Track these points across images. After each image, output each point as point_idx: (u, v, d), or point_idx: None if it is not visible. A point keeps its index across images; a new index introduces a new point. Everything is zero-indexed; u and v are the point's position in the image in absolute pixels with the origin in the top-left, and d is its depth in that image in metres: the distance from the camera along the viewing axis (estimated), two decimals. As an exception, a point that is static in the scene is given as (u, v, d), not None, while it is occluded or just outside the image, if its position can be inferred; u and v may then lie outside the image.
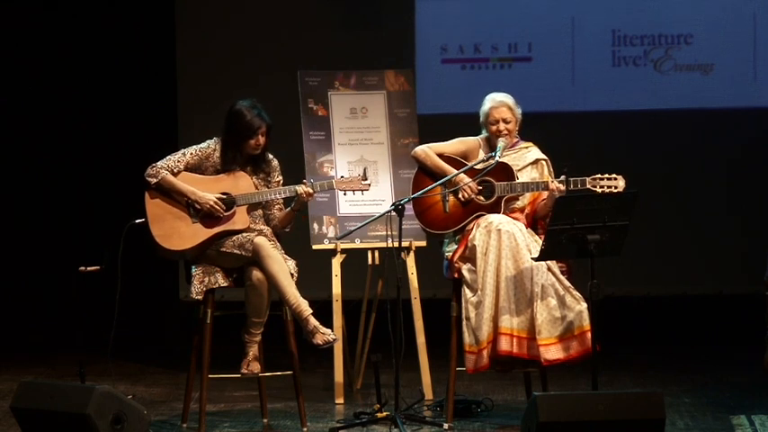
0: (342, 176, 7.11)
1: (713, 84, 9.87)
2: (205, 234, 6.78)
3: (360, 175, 6.99)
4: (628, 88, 9.92)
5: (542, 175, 7.01)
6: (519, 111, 7.02)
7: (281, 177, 6.99)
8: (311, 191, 6.83)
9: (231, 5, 10.06)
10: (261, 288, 6.70)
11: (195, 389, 6.92)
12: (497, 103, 6.99)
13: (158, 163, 6.84)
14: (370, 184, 7.03)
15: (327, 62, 9.43)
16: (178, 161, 6.86)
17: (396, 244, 6.79)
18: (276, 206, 6.95)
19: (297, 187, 6.84)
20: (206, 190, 6.81)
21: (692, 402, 7.38)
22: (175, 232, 6.78)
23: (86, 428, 6.08)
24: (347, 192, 7.08)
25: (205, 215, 6.80)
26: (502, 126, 6.96)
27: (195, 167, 6.87)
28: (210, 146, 6.92)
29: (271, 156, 6.98)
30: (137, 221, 6.83)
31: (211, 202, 6.78)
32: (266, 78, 9.80)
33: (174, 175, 6.83)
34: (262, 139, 6.85)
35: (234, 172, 6.87)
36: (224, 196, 6.81)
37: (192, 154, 6.90)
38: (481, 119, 7.05)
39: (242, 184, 6.85)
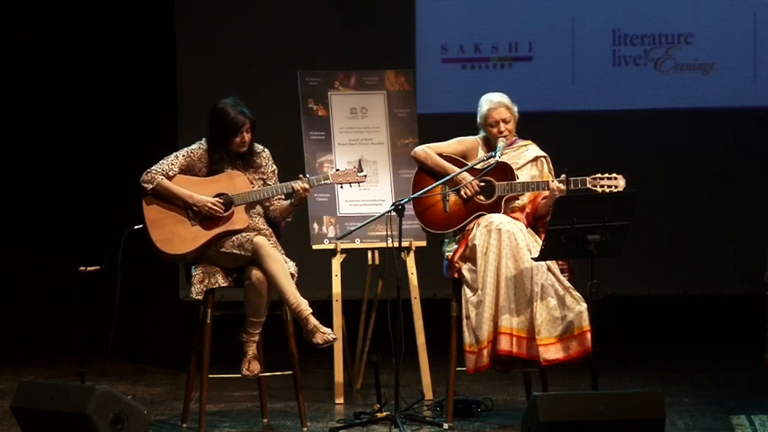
0: (337, 170, 7.12)
1: (713, 83, 9.86)
2: (205, 236, 6.78)
3: (355, 168, 6.99)
4: (628, 88, 9.91)
5: (542, 173, 7.01)
6: (516, 109, 7.03)
7: (274, 166, 6.98)
8: (308, 186, 6.83)
9: (231, 6, 10.06)
10: (260, 287, 6.70)
11: (195, 389, 6.92)
12: (495, 104, 6.99)
13: (152, 168, 6.83)
14: (366, 176, 7.02)
15: (327, 62, 9.43)
16: (172, 164, 6.85)
17: (396, 244, 6.79)
18: (275, 198, 6.94)
19: (294, 183, 6.83)
20: (202, 191, 6.81)
21: (692, 402, 7.38)
22: (175, 236, 6.77)
23: (86, 428, 6.08)
24: (344, 185, 7.07)
25: (204, 217, 6.80)
26: (502, 127, 6.97)
27: (188, 169, 6.87)
28: (201, 147, 6.91)
29: (260, 147, 6.96)
30: (135, 227, 6.83)
31: (209, 204, 6.77)
32: (266, 78, 9.80)
33: (169, 178, 6.82)
34: (247, 136, 6.84)
35: (229, 172, 6.87)
36: (221, 197, 6.81)
37: (184, 156, 6.89)
38: (479, 120, 7.05)
39: (238, 183, 6.85)
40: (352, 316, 8.11)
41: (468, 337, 6.72)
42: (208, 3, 10.12)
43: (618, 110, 9.93)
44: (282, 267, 6.67)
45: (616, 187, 6.77)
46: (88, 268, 7.03)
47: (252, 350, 6.83)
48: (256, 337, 6.84)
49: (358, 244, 7.83)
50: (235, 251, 6.74)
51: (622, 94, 9.92)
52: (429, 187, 6.90)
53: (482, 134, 7.09)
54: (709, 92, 9.86)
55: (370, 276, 7.95)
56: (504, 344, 6.67)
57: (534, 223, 6.99)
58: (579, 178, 6.80)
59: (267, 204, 6.95)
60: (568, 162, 6.85)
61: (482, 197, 6.92)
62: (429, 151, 7.04)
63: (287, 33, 9.99)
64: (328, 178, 6.93)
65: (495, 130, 6.98)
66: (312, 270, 7.52)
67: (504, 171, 6.90)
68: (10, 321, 9.87)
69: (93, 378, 7.63)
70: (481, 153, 7.03)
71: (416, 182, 7.03)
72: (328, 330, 6.65)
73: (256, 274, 6.70)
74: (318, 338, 6.62)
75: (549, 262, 6.70)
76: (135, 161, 7.21)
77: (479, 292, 6.73)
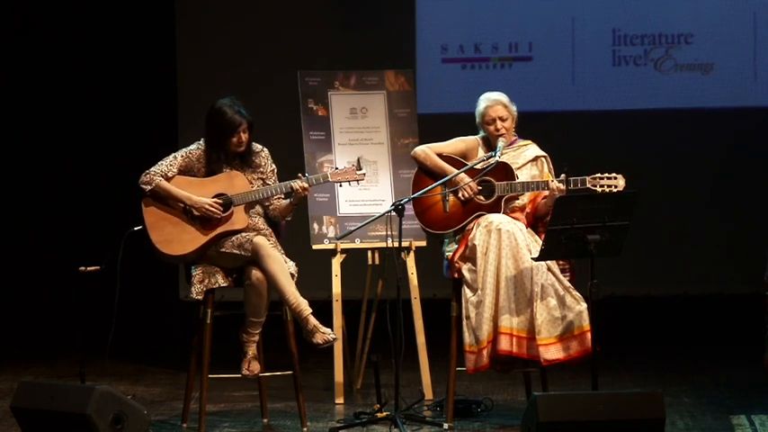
0: (336, 168, 7.11)
1: (713, 84, 9.86)
2: (205, 237, 6.77)
3: (354, 166, 7.00)
4: (628, 88, 9.91)
5: (542, 173, 7.01)
6: (514, 108, 7.02)
7: (274, 166, 6.98)
8: (307, 185, 6.83)
9: (231, 6, 10.06)
10: (260, 288, 6.70)
11: (195, 389, 6.92)
12: (492, 101, 6.99)
13: (151, 169, 6.83)
14: (365, 174, 7.02)
15: (327, 62, 9.43)
16: (170, 165, 6.85)
17: (396, 244, 6.79)
18: (275, 197, 6.94)
19: (293, 183, 6.83)
20: (201, 192, 6.80)
21: (692, 402, 7.38)
22: (175, 237, 6.77)
23: (86, 428, 6.08)
24: (343, 183, 7.08)
25: (203, 218, 6.79)
26: (499, 124, 6.97)
27: (187, 170, 6.87)
28: (199, 147, 6.91)
29: (259, 146, 6.96)
30: (135, 229, 6.83)
31: (207, 206, 6.77)
32: (266, 78, 9.80)
33: (168, 179, 6.82)
34: (244, 136, 6.84)
35: (227, 172, 6.86)
36: (220, 197, 6.81)
37: (182, 156, 6.89)
38: (477, 119, 7.05)
39: (237, 183, 6.84)
40: (352, 316, 8.11)
41: (468, 337, 6.72)
42: (208, 3, 10.12)
43: (618, 110, 9.93)
44: (282, 267, 6.67)
45: (616, 187, 6.77)
46: (88, 268, 7.03)
47: (252, 350, 6.83)
48: (256, 338, 6.84)
49: (358, 244, 7.83)
50: (235, 251, 6.74)
51: (622, 94, 9.92)
52: (429, 187, 6.90)
53: (482, 134, 7.09)
54: (709, 92, 9.86)
55: (370, 276, 7.95)
56: (504, 344, 6.67)
57: (534, 223, 6.98)
58: (579, 178, 6.79)
59: (267, 204, 6.95)
60: (568, 162, 6.85)
61: (482, 197, 6.92)
62: (428, 152, 7.04)
63: (287, 33, 9.99)
64: (327, 177, 6.93)
65: (492, 128, 6.97)
66: (312, 270, 7.52)
67: (504, 171, 6.90)
68: (10, 321, 9.87)
69: (93, 378, 7.63)
70: (481, 153, 7.03)
71: (416, 182, 7.03)
72: (328, 330, 6.65)
73: (256, 274, 6.70)
74: (318, 338, 6.62)
75: (549, 262, 6.69)
76: (135, 161, 7.21)
77: (479, 292, 6.72)
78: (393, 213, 6.78)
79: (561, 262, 6.80)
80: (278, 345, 6.99)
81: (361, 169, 6.97)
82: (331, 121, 8.00)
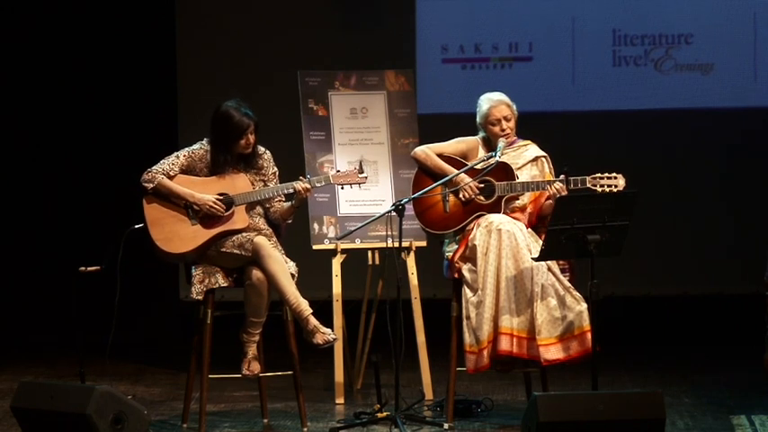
0: (338, 171, 7.12)
1: (713, 84, 9.87)
2: (205, 235, 6.77)
3: (356, 169, 7.00)
4: (628, 88, 9.92)
5: (542, 173, 7.01)
6: (515, 108, 7.02)
7: (275, 169, 6.98)
8: (309, 186, 6.83)
9: (231, 6, 10.06)
10: (261, 288, 6.70)
11: (195, 389, 6.92)
12: (495, 102, 6.99)
13: (153, 167, 6.83)
14: (367, 177, 7.03)
15: (327, 62, 9.43)
16: (173, 164, 6.85)
17: (396, 244, 6.79)
18: (276, 199, 6.94)
19: (295, 184, 6.83)
20: (203, 191, 6.80)
21: (692, 402, 7.38)
22: (175, 235, 6.77)
23: (86, 428, 6.08)
24: (345, 186, 7.07)
25: (204, 216, 6.80)
26: (504, 125, 6.96)
27: (189, 169, 6.87)
28: (202, 147, 6.91)
29: (262, 149, 6.97)
30: (136, 227, 6.83)
31: (210, 203, 6.77)
32: (266, 78, 9.80)
33: (170, 178, 6.82)
34: (251, 138, 6.84)
35: (230, 172, 6.86)
36: (222, 197, 6.81)
37: (185, 156, 6.89)
38: (479, 120, 7.04)
39: (239, 183, 6.85)
40: (353, 316, 8.11)
41: (468, 338, 6.72)
42: (208, 3, 10.12)
43: (618, 110, 9.93)
44: (283, 267, 6.67)
45: (616, 187, 6.77)
46: (88, 268, 7.03)
47: (252, 350, 6.83)
48: (257, 338, 6.84)
49: (358, 244, 7.83)
50: (235, 251, 6.74)
51: (622, 95, 9.93)
52: (429, 187, 6.89)
53: (482, 134, 7.08)
54: (709, 92, 9.87)
55: (371, 276, 7.95)
56: (505, 344, 6.67)
57: (537, 224, 6.98)
58: (579, 178, 6.79)
59: (268, 206, 6.95)
60: (568, 162, 6.85)
61: (482, 197, 6.92)
62: (429, 152, 7.04)
63: (287, 33, 10.00)
64: (329, 179, 6.93)
65: (496, 129, 6.97)
66: (312, 270, 7.52)
67: (505, 171, 6.90)
68: (10, 321, 9.87)
69: (93, 378, 7.63)
70: (481, 153, 7.02)
71: (416, 182, 7.03)
72: (328, 330, 6.65)
73: (257, 274, 6.70)
74: (318, 339, 6.62)
75: (549, 262, 6.69)
76: (135, 161, 7.21)
77: (479, 292, 6.72)
78: (393, 213, 6.78)
79: (561, 262, 6.80)
80: (278, 345, 6.99)
81: (362, 172, 6.97)
82: (331, 121, 8.00)
